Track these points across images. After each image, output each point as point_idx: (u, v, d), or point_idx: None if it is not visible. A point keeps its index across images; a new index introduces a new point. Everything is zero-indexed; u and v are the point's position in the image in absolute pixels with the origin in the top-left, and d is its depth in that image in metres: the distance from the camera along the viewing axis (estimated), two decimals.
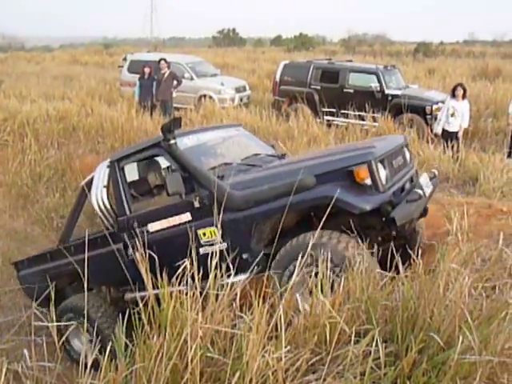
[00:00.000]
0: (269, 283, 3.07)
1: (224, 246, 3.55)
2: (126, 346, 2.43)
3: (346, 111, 10.26)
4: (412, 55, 27.25)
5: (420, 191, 3.57)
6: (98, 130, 9.28)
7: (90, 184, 4.60)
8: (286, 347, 1.91)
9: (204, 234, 3.72)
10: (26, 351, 2.46)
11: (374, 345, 1.99)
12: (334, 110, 10.50)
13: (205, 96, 12.29)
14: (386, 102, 9.96)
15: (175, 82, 10.54)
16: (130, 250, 3.96)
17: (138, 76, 11.06)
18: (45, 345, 2.85)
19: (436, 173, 4.48)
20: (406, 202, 3.50)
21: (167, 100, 10.45)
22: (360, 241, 3.25)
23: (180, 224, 3.80)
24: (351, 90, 10.54)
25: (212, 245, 3.56)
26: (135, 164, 4.48)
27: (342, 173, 3.40)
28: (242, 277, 3.30)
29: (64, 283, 4.78)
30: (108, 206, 4.31)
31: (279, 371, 1.84)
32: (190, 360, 1.86)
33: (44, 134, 9.30)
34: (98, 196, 4.34)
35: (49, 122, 9.67)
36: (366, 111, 9.77)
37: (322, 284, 2.44)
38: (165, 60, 10.59)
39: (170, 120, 3.99)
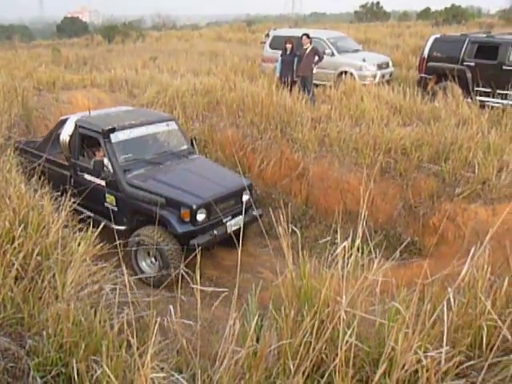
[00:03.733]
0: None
1: (115, 209, 6.08)
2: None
3: (503, 91, 9.15)
4: None
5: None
6: (239, 104, 9.58)
7: (64, 122, 6.89)
8: (446, 346, 1.74)
9: (108, 198, 6.17)
10: (171, 307, 2.64)
11: None
12: (489, 89, 9.42)
13: (345, 72, 11.95)
14: None
15: (316, 58, 10.38)
16: (72, 180, 6.41)
17: (279, 52, 11.13)
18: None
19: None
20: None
21: (307, 76, 10.35)
22: None
23: (99, 184, 6.17)
24: None
25: (110, 205, 6.15)
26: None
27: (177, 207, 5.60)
28: (121, 227, 5.98)
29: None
30: (67, 147, 6.58)
31: (432, 371, 1.70)
32: (340, 345, 1.80)
33: (190, 107, 9.90)
34: (65, 138, 6.59)
35: (195, 95, 10.25)
36: None
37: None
38: (307, 35, 10.46)
39: (111, 127, 6.16)
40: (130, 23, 30.72)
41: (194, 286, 2.24)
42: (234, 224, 5.93)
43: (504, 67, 9.45)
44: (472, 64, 9.93)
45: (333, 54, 12.35)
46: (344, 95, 9.83)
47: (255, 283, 2.52)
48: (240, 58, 16.28)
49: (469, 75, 9.89)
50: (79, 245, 3.44)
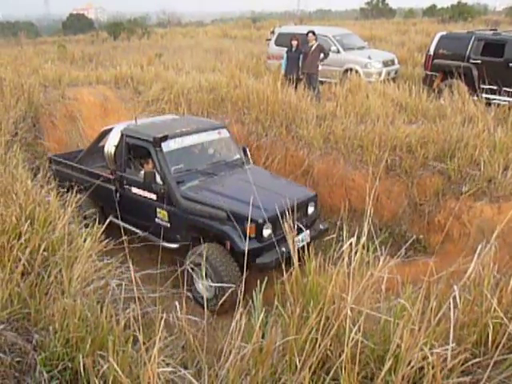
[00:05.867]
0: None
1: (168, 225, 5.63)
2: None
3: (510, 89, 9.09)
4: None
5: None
6: (244, 101, 9.58)
7: (106, 132, 6.61)
8: (452, 343, 1.74)
9: (160, 212, 5.70)
10: (177, 303, 2.65)
11: None
12: (495, 87, 9.37)
13: (350, 70, 11.91)
14: None
15: (322, 55, 10.34)
16: (118, 195, 6.13)
17: (284, 49, 11.10)
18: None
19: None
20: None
21: (313, 73, 10.33)
22: None
23: (149, 198, 5.79)
24: None
25: (162, 220, 5.69)
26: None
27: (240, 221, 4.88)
28: (173, 245, 5.50)
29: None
30: (112, 159, 6.19)
31: (438, 368, 1.70)
32: (346, 341, 1.80)
33: (196, 104, 9.91)
34: (109, 149, 6.22)
35: (200, 92, 10.25)
36: None
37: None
38: (313, 32, 10.42)
39: (163, 136, 5.72)
40: (136, 20, 30.69)
41: (200, 281, 2.25)
42: (301, 240, 5.35)
43: (510, 65, 9.39)
44: (478, 61, 9.88)
45: (338, 51, 12.31)
46: (349, 92, 9.80)
47: (260, 280, 2.53)
48: (245, 54, 16.26)
49: (475, 73, 9.84)
50: (85, 241, 3.45)
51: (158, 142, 5.69)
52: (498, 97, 9.23)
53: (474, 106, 8.29)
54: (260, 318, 2.00)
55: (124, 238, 3.01)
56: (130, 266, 2.43)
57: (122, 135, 6.12)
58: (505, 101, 8.94)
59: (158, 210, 5.71)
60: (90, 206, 6.32)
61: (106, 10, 66.09)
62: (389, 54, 13.41)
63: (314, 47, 10.26)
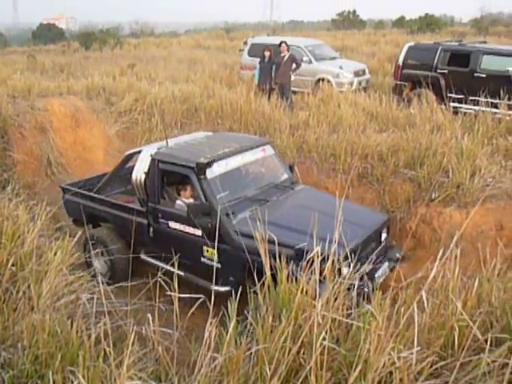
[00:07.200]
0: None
1: (218, 265, 4.49)
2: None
3: (475, 98, 9.38)
4: None
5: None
6: (218, 111, 9.61)
7: (131, 156, 5.97)
8: (418, 347, 1.78)
9: (207, 251, 4.76)
10: (149, 315, 2.63)
11: None
12: (461, 96, 9.65)
13: (322, 80, 12.09)
14: None
15: (294, 65, 10.48)
16: (151, 230, 5.23)
17: (257, 59, 11.20)
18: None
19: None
20: None
21: (285, 83, 10.44)
22: None
23: (193, 234, 4.85)
24: (483, 75, 9.60)
25: (210, 260, 4.67)
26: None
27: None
28: (226, 288, 4.56)
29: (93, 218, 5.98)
30: (143, 188, 5.32)
31: (405, 372, 1.73)
32: (314, 348, 1.82)
33: (169, 114, 9.89)
34: (138, 176, 5.36)
35: (174, 102, 10.23)
36: (499, 98, 8.82)
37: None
38: (285, 43, 10.56)
39: (208, 161, 4.86)
40: (108, 30, 30.45)
41: (172, 293, 2.24)
42: (381, 274, 4.54)
43: (475, 74, 9.70)
44: (445, 71, 10.17)
45: (310, 62, 12.49)
46: (322, 102, 9.94)
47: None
48: (218, 65, 16.33)
49: (442, 82, 10.12)
50: (55, 254, 3.39)
51: (202, 168, 4.78)
52: (464, 105, 9.52)
53: (441, 115, 8.52)
54: (231, 328, 2.00)
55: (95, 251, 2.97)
56: (99, 279, 2.40)
57: (153, 160, 5.22)
58: (471, 109, 9.22)
59: (204, 248, 4.79)
60: (115, 241, 5.59)
61: (77, 20, 65.48)
62: (360, 64, 13.67)
63: (286, 58, 10.39)
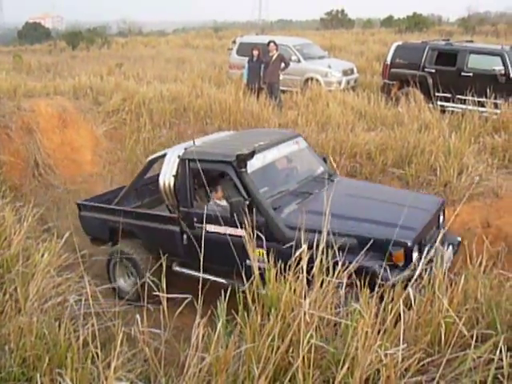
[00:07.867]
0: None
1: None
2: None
3: (462, 96, 9.47)
4: None
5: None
6: (206, 111, 9.58)
7: (155, 161, 5.55)
8: (405, 344, 1.79)
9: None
10: (138, 316, 2.62)
11: (497, 352, 1.80)
12: (449, 95, 9.74)
13: (311, 79, 12.12)
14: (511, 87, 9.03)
15: (283, 65, 10.49)
16: (185, 237, 4.80)
17: (246, 59, 11.19)
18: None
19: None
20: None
21: (274, 82, 10.45)
22: None
23: (235, 235, 4.24)
24: (470, 74, 9.70)
25: (258, 261, 3.89)
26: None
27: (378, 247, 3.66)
28: None
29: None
30: (172, 193, 4.96)
31: (391, 369, 1.75)
32: (301, 346, 1.83)
33: (157, 114, 9.83)
34: (166, 181, 4.99)
35: (162, 102, 10.18)
36: (486, 97, 8.92)
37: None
38: (274, 42, 10.56)
39: (249, 152, 4.51)
40: (95, 29, 30.26)
41: (159, 293, 2.24)
42: (448, 259, 4.10)
43: (462, 73, 9.79)
44: (432, 70, 10.25)
45: (299, 61, 12.51)
46: (310, 101, 9.97)
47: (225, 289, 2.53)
48: (207, 64, 16.29)
49: (430, 81, 10.20)
50: (43, 256, 3.36)
51: (242, 160, 4.44)
52: (451, 104, 9.60)
53: (429, 114, 8.60)
54: (219, 328, 2.00)
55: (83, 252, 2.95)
56: (86, 281, 2.38)
57: (181, 161, 4.89)
58: (458, 108, 9.31)
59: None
60: (143, 254, 5.23)
61: (63, 19, 64.87)
62: (348, 63, 13.73)
63: (274, 57, 10.39)
